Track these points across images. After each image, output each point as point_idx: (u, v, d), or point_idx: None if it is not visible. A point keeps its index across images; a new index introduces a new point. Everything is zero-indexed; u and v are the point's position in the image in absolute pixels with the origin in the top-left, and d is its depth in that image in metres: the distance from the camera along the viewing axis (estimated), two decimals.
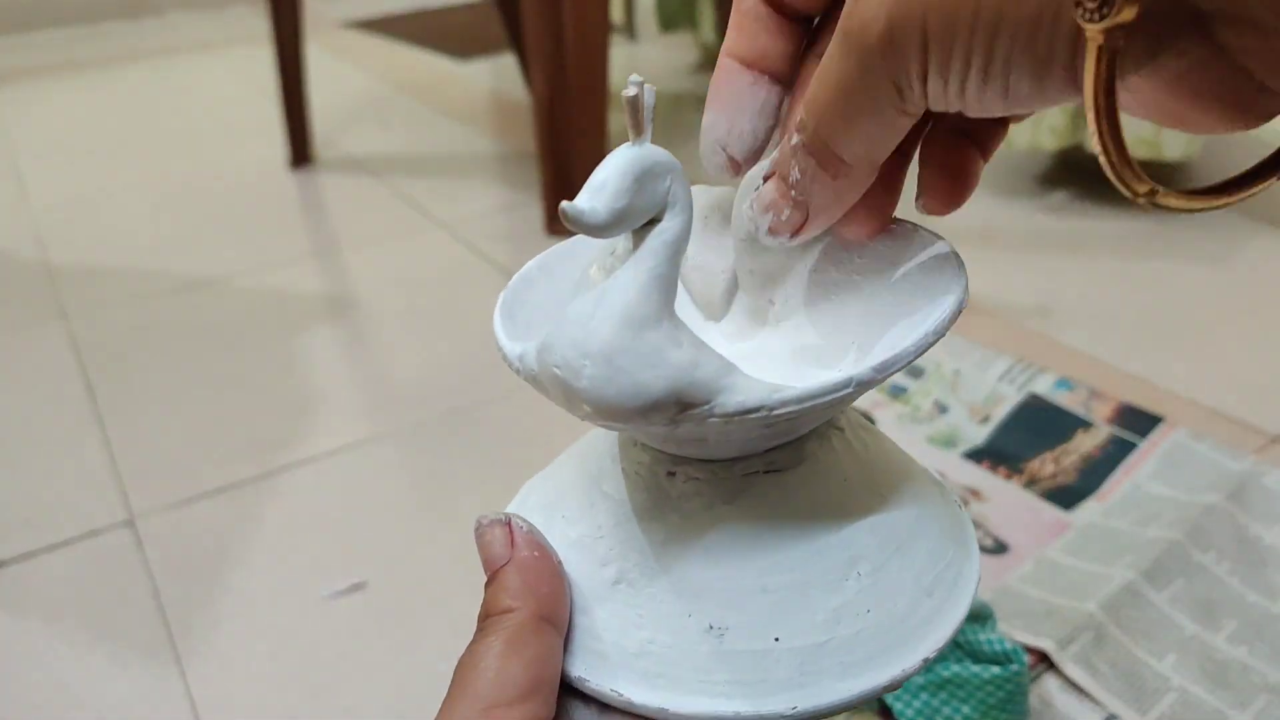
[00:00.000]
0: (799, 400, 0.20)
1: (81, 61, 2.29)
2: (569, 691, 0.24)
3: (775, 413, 0.20)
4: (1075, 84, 0.19)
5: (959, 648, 0.56)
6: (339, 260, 1.25)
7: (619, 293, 0.20)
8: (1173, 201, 0.19)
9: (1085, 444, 0.78)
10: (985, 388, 0.85)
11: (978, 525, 0.71)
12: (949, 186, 0.24)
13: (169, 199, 1.47)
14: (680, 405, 0.20)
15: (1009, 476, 0.76)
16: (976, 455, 0.79)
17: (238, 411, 0.93)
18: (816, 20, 0.25)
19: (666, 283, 0.21)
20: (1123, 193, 0.19)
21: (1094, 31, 0.17)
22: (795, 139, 0.23)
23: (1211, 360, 0.89)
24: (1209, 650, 0.60)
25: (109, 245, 1.31)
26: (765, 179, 0.24)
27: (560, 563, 0.24)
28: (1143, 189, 0.19)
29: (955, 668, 0.55)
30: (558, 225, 1.19)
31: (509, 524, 0.24)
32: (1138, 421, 0.79)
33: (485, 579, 0.24)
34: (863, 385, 0.21)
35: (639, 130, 0.21)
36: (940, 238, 0.24)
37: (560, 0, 1.06)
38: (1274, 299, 0.98)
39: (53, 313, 1.13)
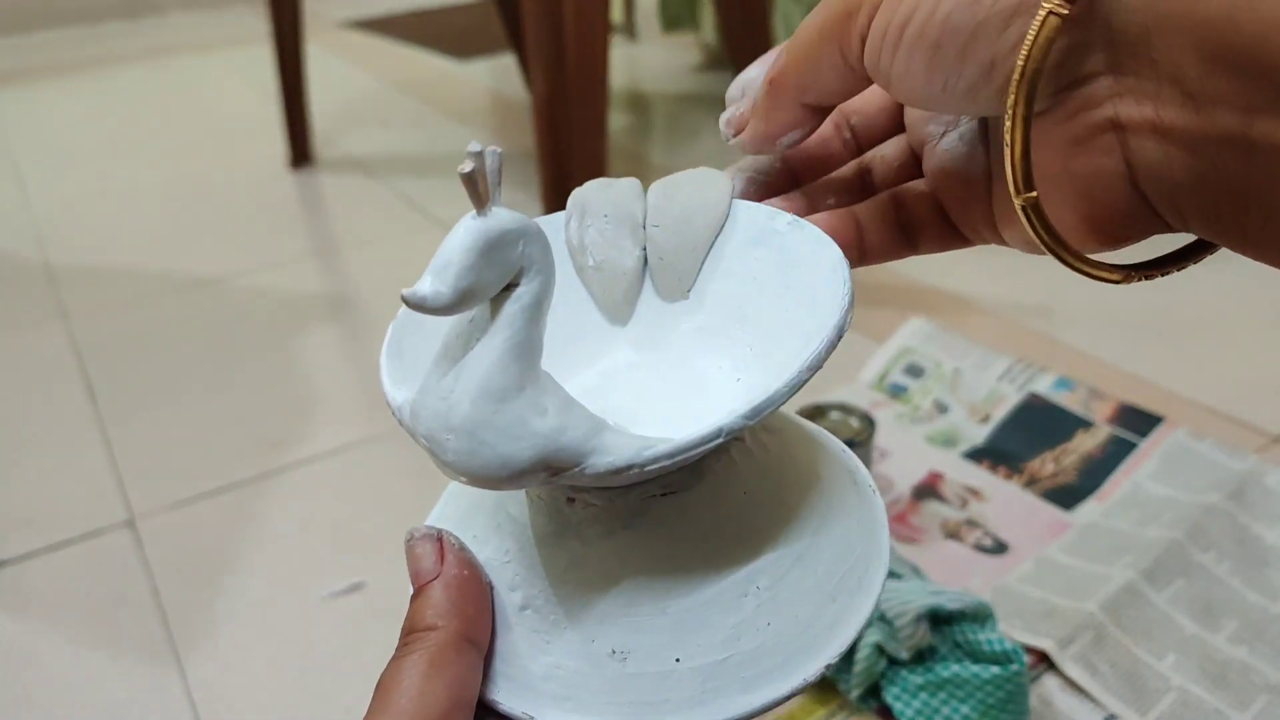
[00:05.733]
0: (669, 455, 0.20)
1: (81, 61, 2.29)
2: (484, 712, 0.24)
3: (647, 469, 0.20)
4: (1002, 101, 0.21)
5: (959, 648, 0.56)
6: (339, 260, 1.25)
7: (476, 365, 0.20)
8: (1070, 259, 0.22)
9: (1085, 444, 0.78)
10: (985, 387, 0.85)
11: (978, 525, 0.71)
12: (876, 241, 0.27)
13: (169, 199, 1.47)
14: (550, 470, 0.20)
15: (1009, 476, 0.76)
16: (976, 455, 0.79)
17: (238, 411, 0.93)
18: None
19: (526, 349, 0.21)
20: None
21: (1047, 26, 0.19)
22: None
23: (1211, 360, 0.89)
24: (1209, 650, 0.60)
25: (109, 245, 1.31)
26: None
27: (489, 583, 0.24)
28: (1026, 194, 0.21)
29: (955, 668, 0.54)
30: None
31: (440, 539, 0.24)
32: (1138, 421, 0.79)
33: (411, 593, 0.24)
34: (733, 432, 0.21)
35: (481, 201, 0.20)
36: (833, 244, 0.24)
37: (560, 0, 1.06)
38: (1274, 299, 0.98)
39: (53, 313, 1.13)
